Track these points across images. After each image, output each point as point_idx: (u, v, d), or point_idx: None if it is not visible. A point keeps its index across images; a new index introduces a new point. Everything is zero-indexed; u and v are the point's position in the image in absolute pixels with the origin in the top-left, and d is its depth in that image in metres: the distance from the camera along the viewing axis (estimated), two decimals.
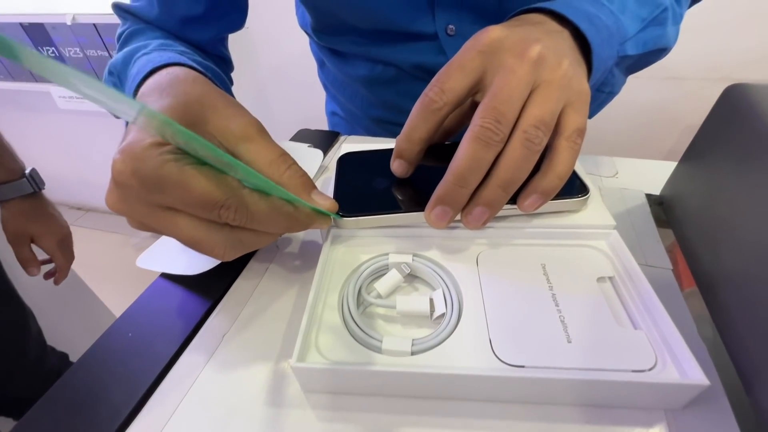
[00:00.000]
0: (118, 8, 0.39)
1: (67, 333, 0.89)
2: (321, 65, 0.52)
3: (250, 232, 0.21)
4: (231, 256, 0.21)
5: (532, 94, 0.21)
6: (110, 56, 1.29)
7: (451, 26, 0.37)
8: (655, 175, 0.33)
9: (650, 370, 0.18)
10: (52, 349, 0.79)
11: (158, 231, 0.21)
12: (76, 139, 1.81)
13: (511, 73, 0.21)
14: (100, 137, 1.75)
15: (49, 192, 0.65)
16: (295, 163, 0.23)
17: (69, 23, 1.22)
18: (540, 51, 0.22)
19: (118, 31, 0.39)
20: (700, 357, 0.19)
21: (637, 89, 1.11)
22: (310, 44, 0.52)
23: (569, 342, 0.19)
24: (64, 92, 1.44)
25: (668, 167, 0.31)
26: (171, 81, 0.24)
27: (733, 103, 0.25)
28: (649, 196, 0.32)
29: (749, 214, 0.22)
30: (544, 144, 0.21)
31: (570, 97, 0.22)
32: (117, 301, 1.05)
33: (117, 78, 0.34)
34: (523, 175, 0.21)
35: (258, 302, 0.25)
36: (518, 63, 0.21)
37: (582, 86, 0.23)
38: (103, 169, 1.89)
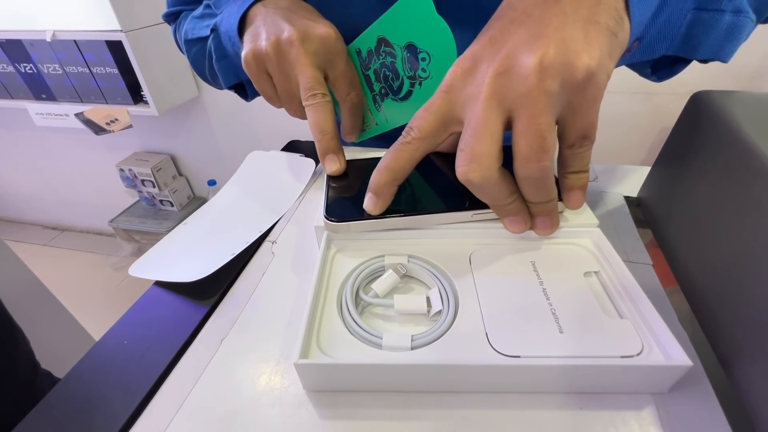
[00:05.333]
0: (166, 15, 0.43)
1: (44, 355, 0.85)
2: None
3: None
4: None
5: (514, 118, 0.20)
6: (91, 72, 1.28)
7: None
8: (632, 178, 0.35)
9: (637, 355, 0.19)
10: (48, 373, 0.75)
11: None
12: (52, 157, 1.76)
13: (473, 112, 0.21)
14: (77, 155, 1.71)
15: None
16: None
17: (49, 39, 1.21)
18: (498, 69, 0.19)
19: (172, 29, 0.44)
20: (682, 343, 0.20)
21: (610, 104, 1.17)
22: None
23: (561, 332, 0.20)
24: (41, 109, 1.41)
25: (644, 171, 0.33)
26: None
27: (699, 108, 0.27)
28: (627, 198, 0.33)
29: (718, 210, 0.23)
30: (550, 165, 0.20)
31: (564, 98, 0.19)
32: (95, 322, 1.01)
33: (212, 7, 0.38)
34: (547, 195, 0.22)
35: (255, 306, 0.25)
36: (477, 97, 0.20)
37: (579, 71, 0.18)
38: (80, 186, 1.84)
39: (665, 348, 0.19)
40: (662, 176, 0.31)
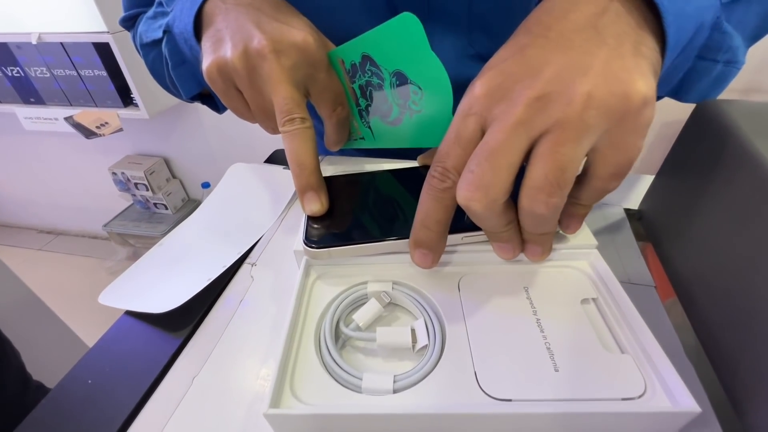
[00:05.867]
0: (123, 21, 0.38)
1: (38, 366, 0.83)
2: None
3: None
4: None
5: (538, 143, 0.18)
6: (79, 75, 1.26)
7: None
8: (632, 189, 0.33)
9: (640, 397, 0.17)
10: (40, 385, 0.74)
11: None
12: (44, 161, 1.74)
13: (495, 132, 0.18)
14: (68, 158, 1.69)
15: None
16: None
17: (35, 42, 1.19)
18: (539, 92, 0.17)
19: (131, 35, 0.38)
20: (689, 379, 0.18)
21: None
22: None
23: (556, 371, 0.19)
24: (30, 113, 1.39)
25: (645, 181, 0.31)
26: None
27: (704, 119, 0.25)
28: (627, 211, 0.32)
29: (724, 228, 0.22)
30: (560, 204, 0.18)
31: (604, 127, 0.17)
32: (91, 328, 1.00)
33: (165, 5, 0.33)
34: (546, 229, 0.21)
35: (230, 340, 0.24)
36: (503, 118, 0.18)
37: (630, 100, 0.16)
38: (73, 190, 1.82)
39: (671, 390, 0.17)
40: (665, 188, 0.29)
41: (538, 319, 0.21)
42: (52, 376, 0.78)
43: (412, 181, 0.29)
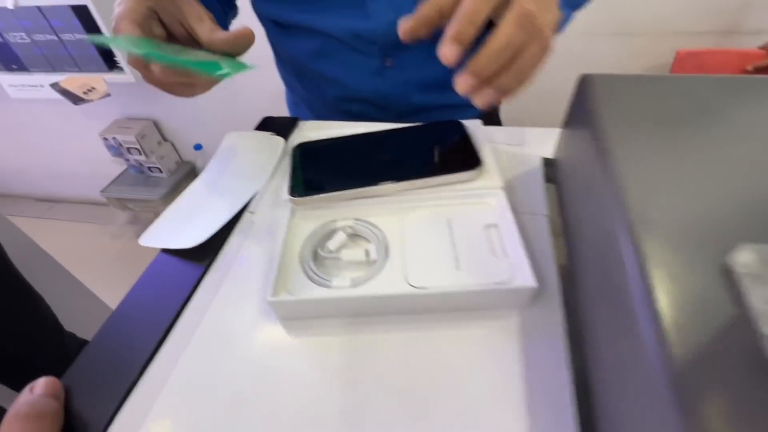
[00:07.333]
0: None
1: (63, 319, 0.94)
2: (277, 55, 0.57)
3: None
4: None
5: None
6: (60, 40, 1.26)
7: None
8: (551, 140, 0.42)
9: (506, 282, 0.27)
10: (72, 335, 0.85)
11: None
12: (33, 129, 1.76)
13: None
14: (58, 125, 1.71)
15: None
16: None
17: (11, 7, 1.18)
18: None
19: None
20: (550, 278, 0.28)
21: (589, 45, 1.16)
22: (266, 33, 0.57)
23: (458, 270, 0.28)
24: (14, 81, 1.40)
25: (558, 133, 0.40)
26: None
27: (584, 93, 0.33)
28: (545, 159, 0.40)
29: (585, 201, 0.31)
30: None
31: None
32: (103, 288, 1.10)
33: None
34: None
35: (242, 262, 0.33)
36: None
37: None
38: (66, 158, 1.85)
39: (525, 277, 0.27)
40: (565, 140, 0.37)
41: (452, 239, 0.31)
42: (80, 329, 0.89)
43: (381, 141, 0.37)
